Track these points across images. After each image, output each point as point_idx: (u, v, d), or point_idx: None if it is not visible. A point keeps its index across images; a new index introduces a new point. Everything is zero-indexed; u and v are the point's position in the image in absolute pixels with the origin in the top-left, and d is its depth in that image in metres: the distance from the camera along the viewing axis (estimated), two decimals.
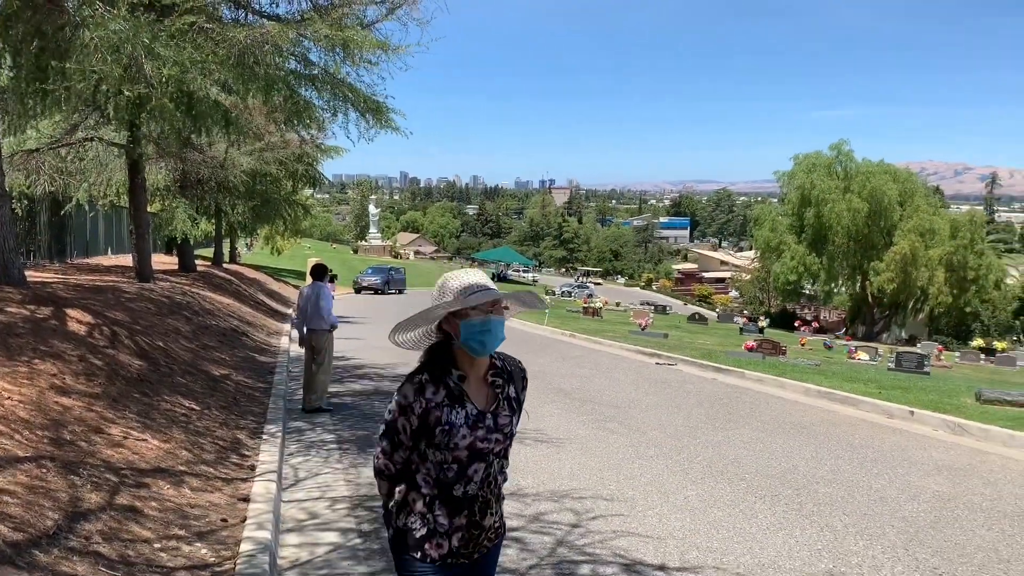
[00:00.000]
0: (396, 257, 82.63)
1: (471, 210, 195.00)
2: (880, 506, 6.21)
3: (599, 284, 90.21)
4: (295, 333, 10.24)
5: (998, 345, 33.87)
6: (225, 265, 33.66)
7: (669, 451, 7.97)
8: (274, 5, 8.69)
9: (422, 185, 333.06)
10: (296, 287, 40.60)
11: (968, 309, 45.67)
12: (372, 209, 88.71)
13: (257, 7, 8.68)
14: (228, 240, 40.37)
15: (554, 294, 55.29)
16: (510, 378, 2.53)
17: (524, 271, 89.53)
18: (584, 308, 34.65)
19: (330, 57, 8.42)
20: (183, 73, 7.76)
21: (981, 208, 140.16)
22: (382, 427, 2.45)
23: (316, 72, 8.73)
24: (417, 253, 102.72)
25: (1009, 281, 49.13)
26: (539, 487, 6.46)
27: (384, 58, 8.35)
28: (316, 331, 9.64)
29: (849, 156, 50.11)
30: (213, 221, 30.21)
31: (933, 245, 44.41)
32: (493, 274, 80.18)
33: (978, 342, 34.07)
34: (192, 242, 24.94)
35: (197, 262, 27.39)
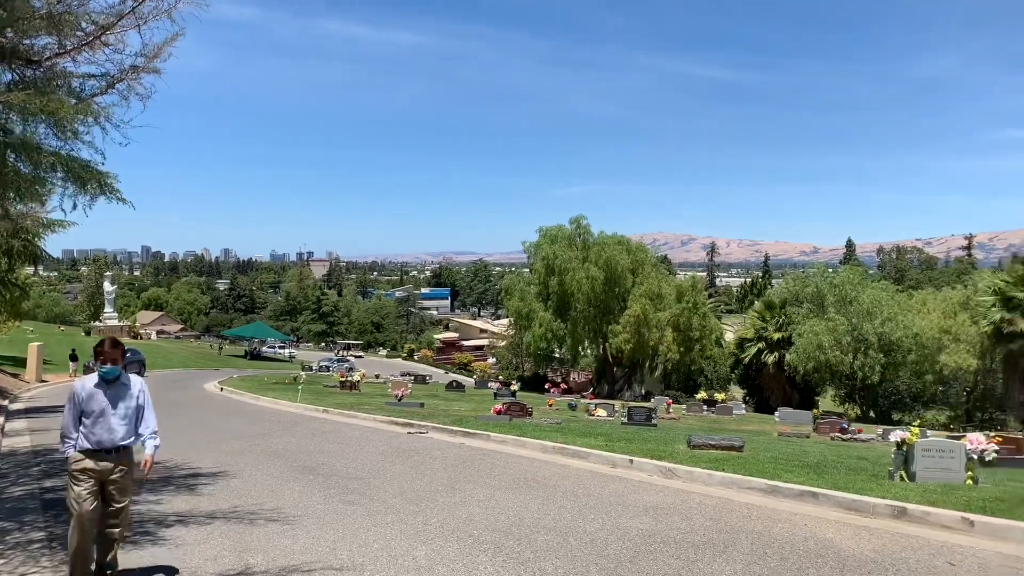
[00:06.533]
0: (136, 338, 76.53)
1: (222, 285, 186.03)
2: (589, 548, 6.83)
3: (360, 357, 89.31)
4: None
5: (718, 396, 37.92)
6: None
7: (406, 516, 8.18)
8: None
9: (167, 259, 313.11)
10: (14, 375, 36.34)
11: (694, 365, 50.58)
12: (108, 286, 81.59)
13: None
14: None
15: (311, 370, 53.86)
16: None
17: (280, 347, 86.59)
18: (341, 382, 34.20)
19: (36, 127, 8.05)
20: None
21: (704, 274, 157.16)
22: None
23: (20, 142, 8.26)
24: (160, 333, 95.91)
25: (728, 337, 55.20)
26: (269, 564, 6.38)
27: (91, 124, 8.12)
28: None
29: (587, 229, 54.56)
30: None
31: (662, 308, 49.00)
32: (246, 351, 76.89)
33: (702, 395, 37.86)
34: None
35: None
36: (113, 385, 5.86)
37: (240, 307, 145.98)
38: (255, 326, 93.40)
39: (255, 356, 75.01)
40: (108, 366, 5.81)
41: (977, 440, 11.60)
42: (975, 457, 10.61)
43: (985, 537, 7.45)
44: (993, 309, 37.44)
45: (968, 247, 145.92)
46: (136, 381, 6.05)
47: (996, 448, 13.73)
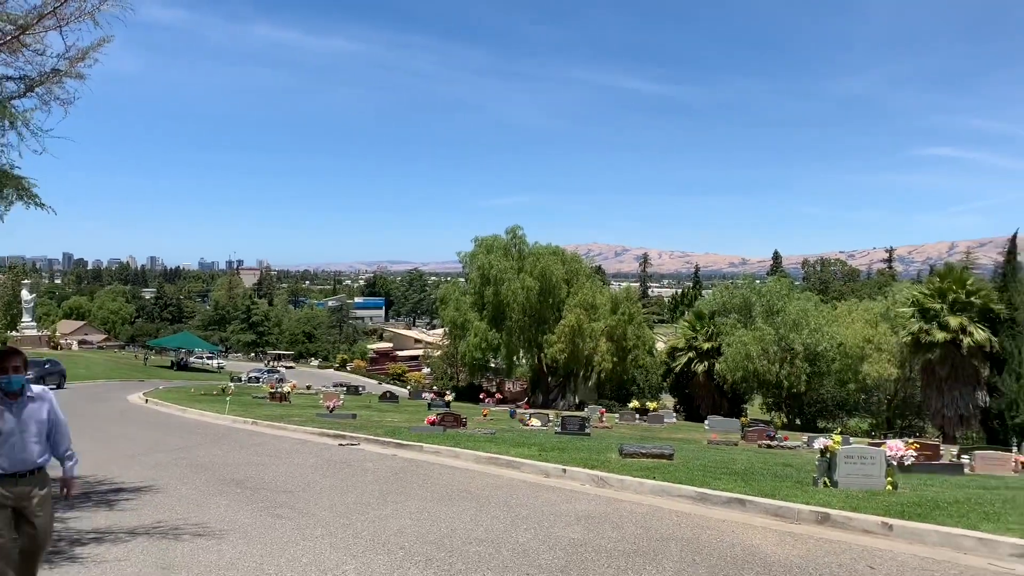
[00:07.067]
0: (56, 348, 73.67)
1: (148, 293, 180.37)
2: (521, 558, 6.83)
3: (291, 368, 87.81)
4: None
5: (650, 405, 38.43)
6: None
7: (336, 529, 8.05)
8: None
9: (90, 267, 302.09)
10: None
11: (627, 375, 51.19)
12: (26, 295, 78.21)
13: None
14: None
15: (240, 381, 52.67)
16: None
17: (209, 357, 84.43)
18: (271, 393, 33.54)
19: None
20: None
21: (637, 285, 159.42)
22: None
23: None
24: (83, 343, 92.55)
25: (659, 346, 56.06)
26: None
27: (7, 128, 7.81)
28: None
29: (522, 239, 54.81)
30: None
31: (596, 318, 49.51)
32: (172, 362, 74.72)
33: (634, 403, 38.32)
34: None
35: None
36: (18, 399, 5.13)
37: (167, 316, 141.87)
38: (182, 336, 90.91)
39: (182, 367, 73.00)
40: (10, 376, 5.05)
41: (896, 447, 12.05)
42: (894, 463, 11.00)
43: (903, 540, 7.72)
44: (912, 320, 38.89)
45: (889, 260, 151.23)
46: (42, 392, 5.34)
47: (914, 454, 14.27)
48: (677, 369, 48.23)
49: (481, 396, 46.78)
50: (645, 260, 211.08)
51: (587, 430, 22.11)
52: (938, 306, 37.87)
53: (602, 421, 30.48)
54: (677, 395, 50.44)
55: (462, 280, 64.94)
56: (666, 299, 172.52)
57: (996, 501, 9.98)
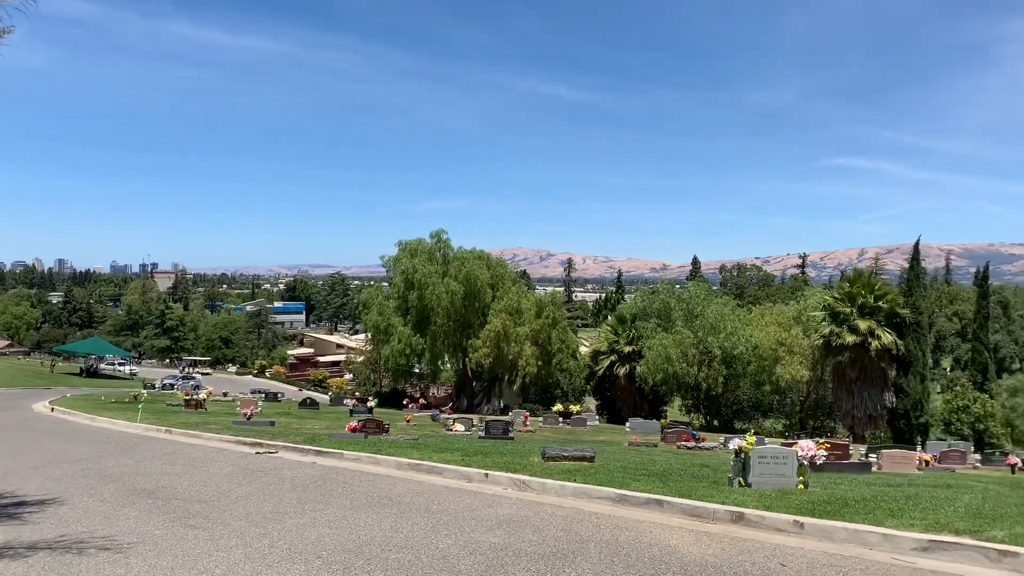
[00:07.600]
0: None
1: (56, 297, 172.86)
2: (441, 564, 6.78)
3: (208, 374, 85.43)
4: None
5: (573, 408, 38.80)
6: None
7: (251, 539, 7.83)
8: None
9: None
10: None
11: (551, 378, 51.58)
12: None
13: None
14: None
15: (154, 388, 50.96)
16: None
17: (121, 363, 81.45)
18: (186, 401, 32.55)
19: None
20: None
21: (561, 289, 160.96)
22: None
23: None
24: None
25: (583, 350, 56.69)
26: None
27: None
28: None
29: (447, 243, 54.70)
30: None
31: (521, 323, 49.72)
32: (81, 368, 71.82)
33: (558, 407, 38.63)
34: None
35: None
36: None
37: (76, 321, 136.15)
38: (92, 341, 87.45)
39: (92, 373, 70.27)
40: None
41: (807, 447, 12.40)
42: (806, 463, 11.35)
43: (814, 538, 7.97)
44: (823, 323, 40.35)
45: (802, 265, 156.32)
46: None
47: (825, 454, 14.75)
48: (600, 372, 48.86)
49: (405, 402, 46.48)
50: (570, 265, 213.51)
51: (511, 434, 22.18)
52: (848, 310, 39.38)
53: (526, 425, 30.63)
54: (600, 398, 51.09)
55: (386, 284, 64.23)
56: (590, 303, 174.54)
57: (900, 498, 10.42)
